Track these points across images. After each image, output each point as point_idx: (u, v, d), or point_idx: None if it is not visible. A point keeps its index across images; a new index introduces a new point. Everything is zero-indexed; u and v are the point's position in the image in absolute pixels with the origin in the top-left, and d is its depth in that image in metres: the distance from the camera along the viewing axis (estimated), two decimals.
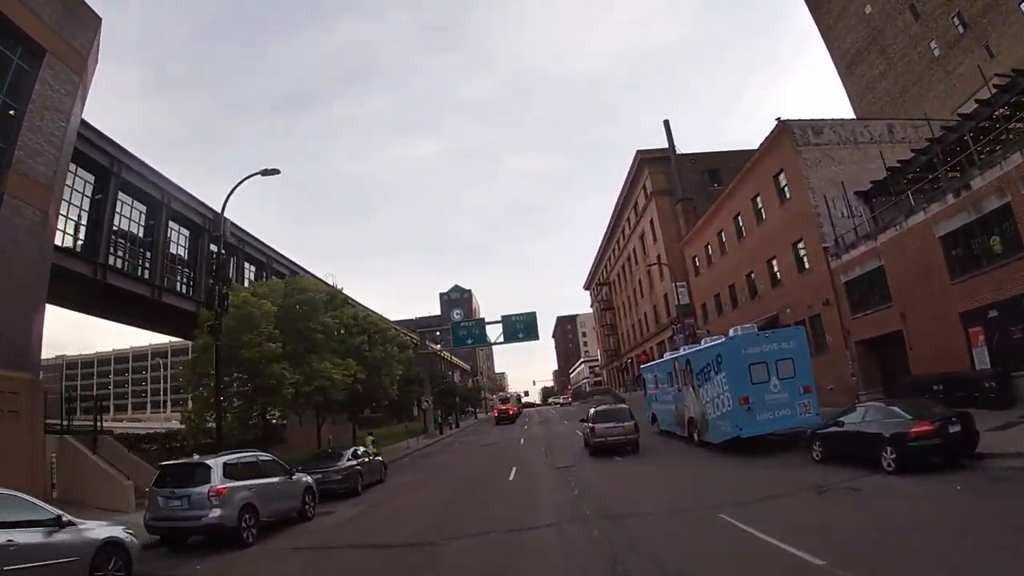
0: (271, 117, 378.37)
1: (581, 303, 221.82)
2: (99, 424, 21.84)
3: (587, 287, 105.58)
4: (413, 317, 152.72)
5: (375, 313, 47.66)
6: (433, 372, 59.05)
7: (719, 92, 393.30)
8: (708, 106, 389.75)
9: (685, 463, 18.26)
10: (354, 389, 27.98)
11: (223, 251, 20.59)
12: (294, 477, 15.32)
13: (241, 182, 20.35)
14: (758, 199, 33.71)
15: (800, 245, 29.97)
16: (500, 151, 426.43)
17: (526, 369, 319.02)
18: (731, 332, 18.45)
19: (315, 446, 41.94)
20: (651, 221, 55.25)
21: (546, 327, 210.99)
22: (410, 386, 38.71)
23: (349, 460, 19.58)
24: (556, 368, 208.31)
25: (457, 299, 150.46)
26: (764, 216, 33.28)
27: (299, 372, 24.21)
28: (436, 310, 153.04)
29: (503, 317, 47.88)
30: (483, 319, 49.00)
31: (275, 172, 20.15)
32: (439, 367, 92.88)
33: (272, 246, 38.98)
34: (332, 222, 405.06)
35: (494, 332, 49.40)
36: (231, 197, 20.41)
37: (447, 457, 30.72)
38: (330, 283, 50.17)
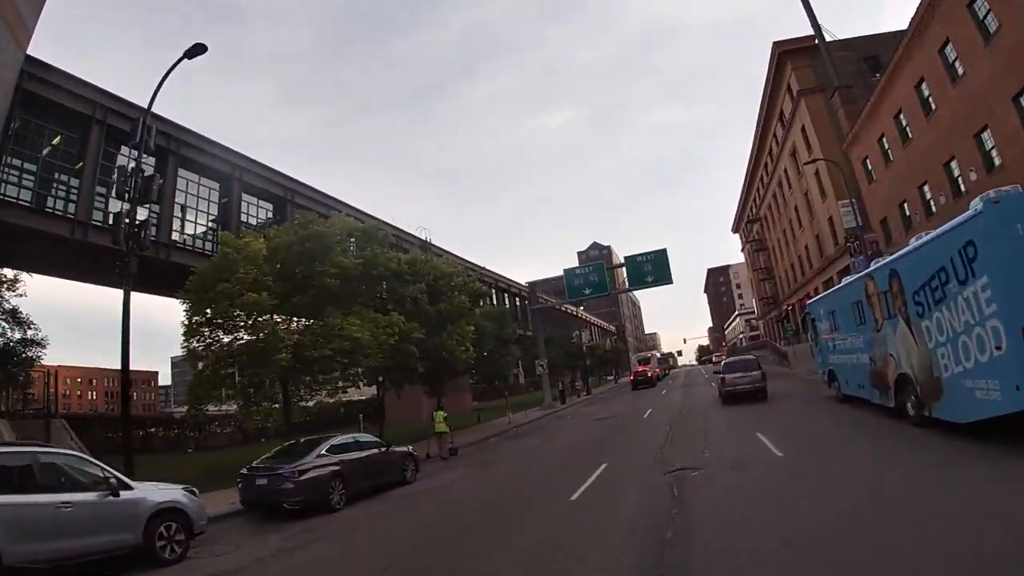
0: (406, 111, 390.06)
1: (733, 254, 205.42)
2: (52, 409, 17.15)
3: (735, 229, 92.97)
4: (550, 277, 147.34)
5: (449, 255, 41.07)
6: (553, 333, 51.84)
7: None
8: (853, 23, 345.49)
9: (918, 474, 8.70)
10: (406, 352, 21.46)
11: (141, 161, 14.39)
12: (126, 494, 8.88)
13: (170, 70, 15.06)
14: (949, 48, 22.91)
15: None
16: (632, 109, 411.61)
17: (681, 330, 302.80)
18: (977, 203, 9.04)
19: (417, 422, 36.70)
20: (802, 129, 43.86)
21: (697, 282, 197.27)
22: (506, 347, 31.61)
23: (320, 457, 12.80)
24: (711, 325, 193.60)
25: (596, 256, 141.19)
26: (962, 70, 22.49)
27: (307, 331, 18.05)
28: None
29: (627, 259, 39.30)
30: (602, 263, 40.61)
31: (201, 51, 14.14)
32: (571, 327, 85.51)
33: (335, 195, 33.36)
34: (478, 202, 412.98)
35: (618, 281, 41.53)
36: (160, 90, 15.12)
37: (537, 439, 23.40)
38: (422, 238, 44.88)
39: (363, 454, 14.16)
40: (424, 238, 43.93)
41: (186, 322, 17.89)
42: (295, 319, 19.80)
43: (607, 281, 40.16)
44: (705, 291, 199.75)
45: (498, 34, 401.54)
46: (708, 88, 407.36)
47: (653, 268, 38.69)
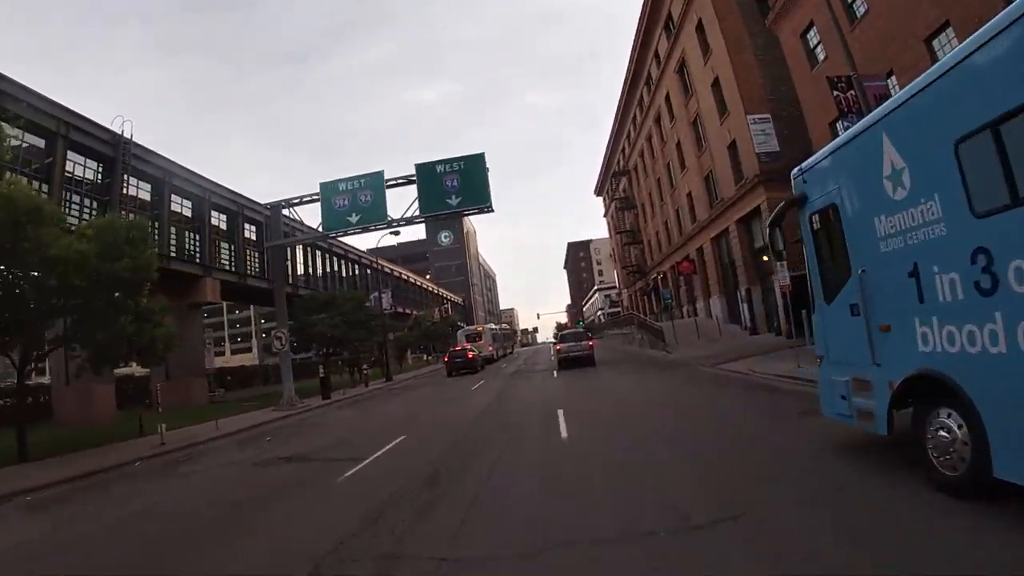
0: (275, 75, 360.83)
1: (600, 230, 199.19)
2: None
3: (599, 192, 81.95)
4: (395, 244, 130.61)
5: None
6: (313, 294, 36.37)
7: None
8: None
9: None
10: None
11: None
12: None
13: None
14: None
15: None
16: (509, 89, 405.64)
17: (544, 309, 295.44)
18: None
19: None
20: (698, 25, 31.47)
21: (558, 258, 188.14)
22: (133, 294, 15.36)
23: None
24: (570, 302, 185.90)
25: (446, 222, 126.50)
26: None
27: None
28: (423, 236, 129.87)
29: (419, 168, 23.85)
30: (381, 172, 24.89)
31: None
32: (414, 298, 69.57)
33: None
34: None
35: (400, 200, 26.16)
36: None
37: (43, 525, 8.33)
38: (116, 131, 27.88)
39: None
40: (120, 131, 27.09)
41: None
42: None
43: (383, 204, 24.50)
44: (565, 267, 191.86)
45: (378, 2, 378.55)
46: (588, 73, 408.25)
47: (461, 184, 23.68)
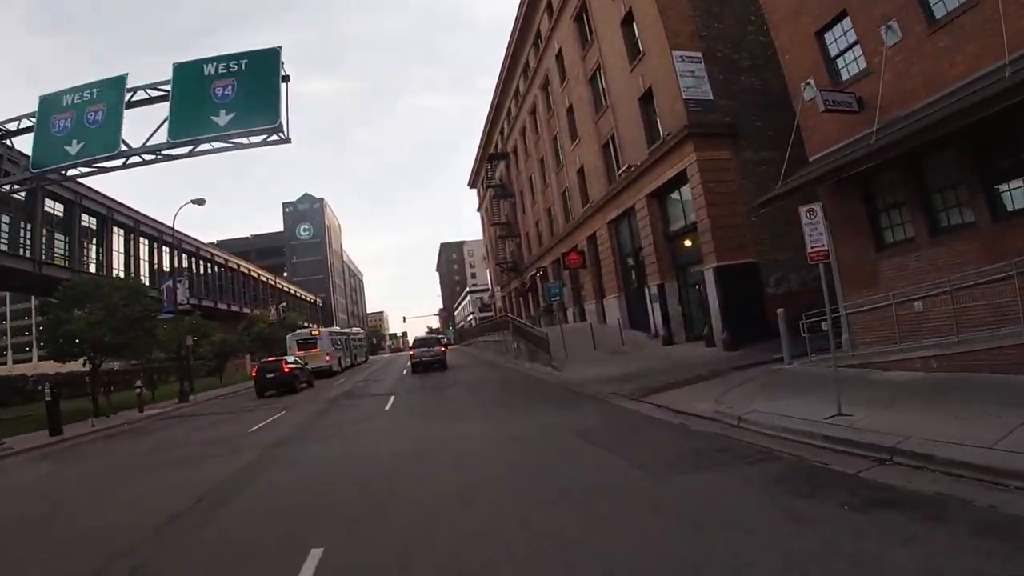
0: (152, 54, 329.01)
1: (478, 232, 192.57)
2: None
3: (473, 184, 74.27)
4: (248, 236, 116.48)
5: None
6: (76, 281, 25.64)
7: None
8: None
9: None
10: None
11: None
12: None
13: None
14: None
15: None
16: (405, 90, 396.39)
17: (417, 310, 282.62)
18: None
19: None
20: None
21: (430, 259, 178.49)
22: None
23: None
24: (441, 306, 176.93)
25: (306, 211, 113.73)
26: None
27: None
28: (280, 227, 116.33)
29: (177, 68, 14.49)
30: (122, 76, 15.06)
31: None
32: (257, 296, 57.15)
33: None
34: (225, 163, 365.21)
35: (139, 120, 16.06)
36: None
37: None
38: None
39: None
40: None
41: None
42: None
43: (120, 126, 14.86)
44: (438, 269, 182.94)
45: None
46: (482, 80, 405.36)
47: (239, 93, 14.51)
